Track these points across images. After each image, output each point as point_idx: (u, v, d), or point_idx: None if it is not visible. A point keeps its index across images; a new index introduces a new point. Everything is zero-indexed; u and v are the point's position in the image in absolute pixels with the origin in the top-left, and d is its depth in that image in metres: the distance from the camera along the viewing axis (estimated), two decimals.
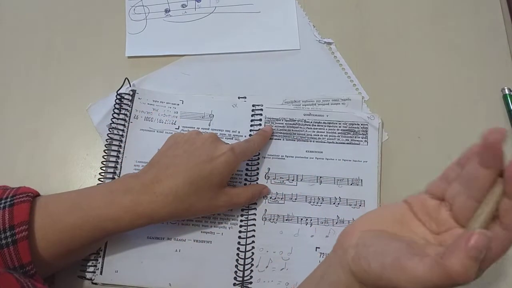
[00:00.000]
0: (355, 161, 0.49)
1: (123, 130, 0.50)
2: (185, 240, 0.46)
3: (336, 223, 0.47)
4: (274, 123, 0.51)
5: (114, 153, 0.49)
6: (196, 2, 0.57)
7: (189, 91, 0.53)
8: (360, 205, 0.47)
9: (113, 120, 0.50)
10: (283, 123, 0.51)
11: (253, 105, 0.51)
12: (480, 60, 0.53)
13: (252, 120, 0.51)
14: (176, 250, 0.46)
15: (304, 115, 0.51)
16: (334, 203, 0.47)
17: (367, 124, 0.50)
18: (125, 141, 0.50)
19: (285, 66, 0.54)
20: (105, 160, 0.49)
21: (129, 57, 0.55)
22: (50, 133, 0.52)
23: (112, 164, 0.49)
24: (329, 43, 0.55)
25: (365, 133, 0.50)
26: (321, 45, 0.55)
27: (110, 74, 0.53)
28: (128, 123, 0.50)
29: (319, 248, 0.46)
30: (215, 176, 0.41)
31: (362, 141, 0.49)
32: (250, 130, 0.50)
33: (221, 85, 0.53)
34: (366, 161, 0.49)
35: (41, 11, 0.57)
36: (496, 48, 0.53)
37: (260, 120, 0.51)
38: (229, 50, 0.55)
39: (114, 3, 0.57)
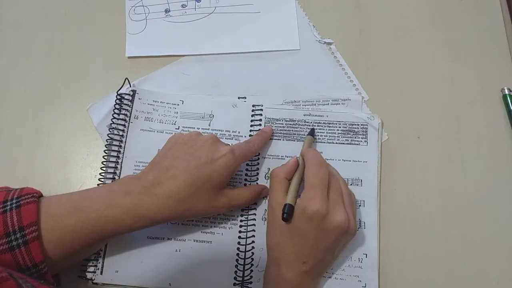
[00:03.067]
0: (355, 161, 0.49)
1: (123, 130, 0.50)
2: (185, 240, 0.46)
3: None
4: (274, 123, 0.51)
5: (114, 153, 0.49)
6: (196, 2, 0.57)
7: (189, 91, 0.53)
8: (360, 205, 0.47)
9: (113, 120, 0.50)
10: (283, 123, 0.51)
11: (253, 105, 0.51)
12: (480, 60, 0.53)
13: (252, 121, 0.51)
14: (176, 250, 0.46)
15: (304, 115, 0.51)
16: None
17: (366, 125, 0.50)
18: (125, 141, 0.50)
19: (285, 66, 0.54)
20: (105, 160, 0.49)
21: (129, 57, 0.55)
22: (50, 133, 0.52)
23: (112, 164, 0.49)
24: (329, 43, 0.55)
25: (365, 133, 0.50)
26: (321, 45, 0.55)
27: (110, 74, 0.54)
28: (128, 123, 0.50)
29: None
30: (214, 178, 0.41)
31: (362, 141, 0.49)
32: (250, 131, 0.50)
33: (221, 85, 0.53)
34: (366, 161, 0.49)
35: (41, 11, 0.57)
36: (496, 48, 0.53)
37: (260, 120, 0.51)
38: (229, 50, 0.55)
39: (114, 3, 0.57)
